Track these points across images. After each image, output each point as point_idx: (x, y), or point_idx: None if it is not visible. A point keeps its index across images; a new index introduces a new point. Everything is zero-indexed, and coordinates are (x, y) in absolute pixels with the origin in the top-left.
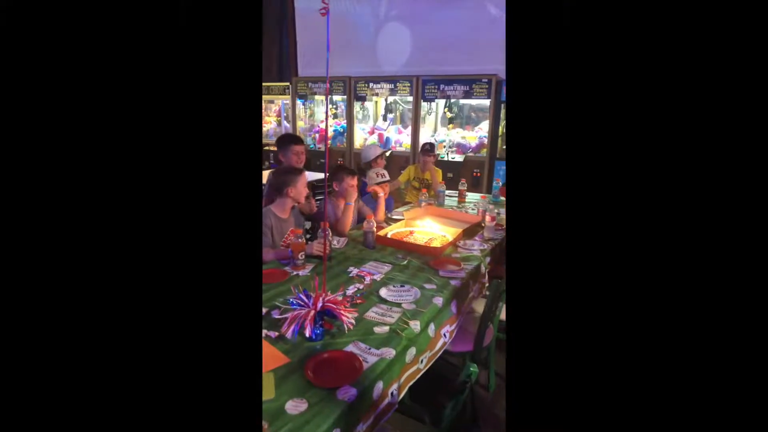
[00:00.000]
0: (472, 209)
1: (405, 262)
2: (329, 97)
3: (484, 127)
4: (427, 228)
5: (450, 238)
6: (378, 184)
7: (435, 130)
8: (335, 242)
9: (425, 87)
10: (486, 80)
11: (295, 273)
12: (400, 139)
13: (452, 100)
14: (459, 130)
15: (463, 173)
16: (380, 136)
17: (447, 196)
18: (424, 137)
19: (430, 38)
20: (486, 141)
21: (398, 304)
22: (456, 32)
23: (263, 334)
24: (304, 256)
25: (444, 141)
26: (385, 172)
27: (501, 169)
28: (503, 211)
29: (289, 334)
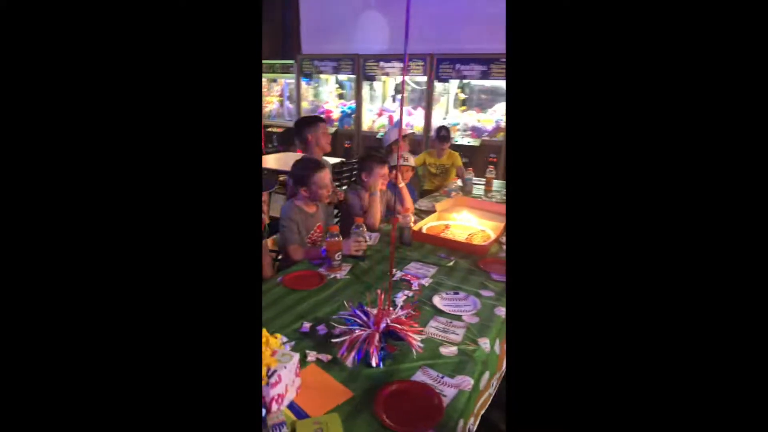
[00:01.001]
0: (503, 196)
1: (451, 263)
2: (335, 76)
3: (499, 110)
4: (465, 221)
5: (491, 234)
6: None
7: (447, 112)
8: (368, 238)
9: (440, 66)
10: (504, 60)
11: (332, 276)
12: (411, 121)
13: (464, 81)
14: (471, 113)
15: (478, 158)
16: (390, 117)
17: (474, 184)
18: (437, 119)
19: (445, 13)
20: (503, 124)
21: (458, 317)
22: (473, 6)
23: (313, 357)
24: (341, 257)
25: (458, 124)
26: (410, 156)
27: None
28: None
29: (350, 362)
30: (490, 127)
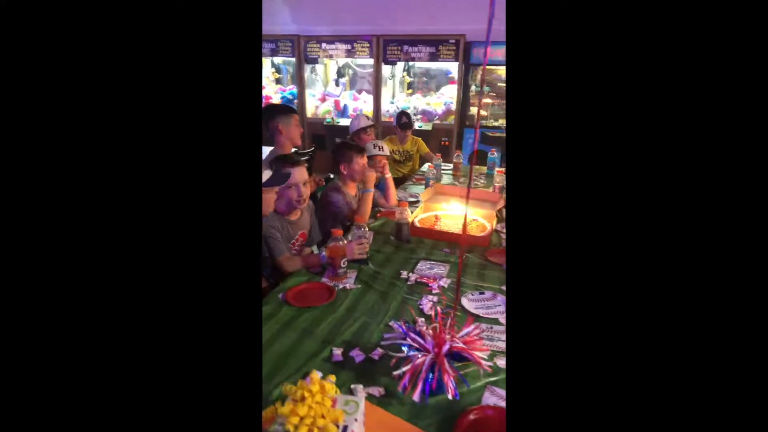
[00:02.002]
0: (476, 184)
1: (464, 259)
2: (270, 59)
3: (446, 93)
4: (454, 211)
5: (485, 223)
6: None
7: (393, 96)
8: (355, 232)
9: (387, 48)
10: (453, 41)
11: (340, 286)
12: (358, 106)
13: (410, 64)
14: (418, 96)
15: (431, 142)
16: (336, 103)
17: (442, 170)
18: (384, 104)
19: None
20: (453, 107)
21: (494, 320)
22: None
23: (363, 393)
24: (346, 263)
25: (407, 108)
26: (384, 145)
27: (470, 137)
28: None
29: (417, 397)
30: (440, 110)
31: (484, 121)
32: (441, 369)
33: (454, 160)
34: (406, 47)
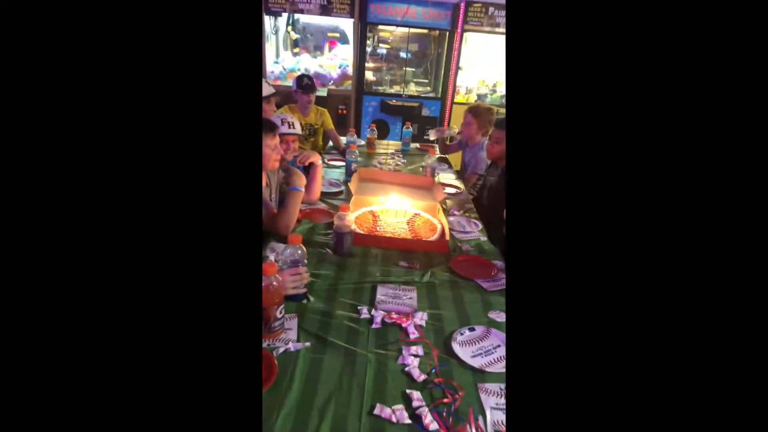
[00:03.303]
0: (395, 165)
1: (426, 277)
2: None
3: (340, 54)
4: (393, 205)
5: (431, 219)
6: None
7: (278, 55)
8: (287, 256)
9: None
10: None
11: (281, 349)
12: None
13: (296, 17)
14: (307, 56)
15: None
16: None
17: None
18: (268, 64)
19: None
20: (349, 71)
21: (503, 375)
22: None
23: None
24: (283, 312)
25: (295, 69)
26: (295, 121)
27: (370, 105)
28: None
29: None
30: (335, 73)
31: (381, 88)
32: None
33: (368, 135)
34: None
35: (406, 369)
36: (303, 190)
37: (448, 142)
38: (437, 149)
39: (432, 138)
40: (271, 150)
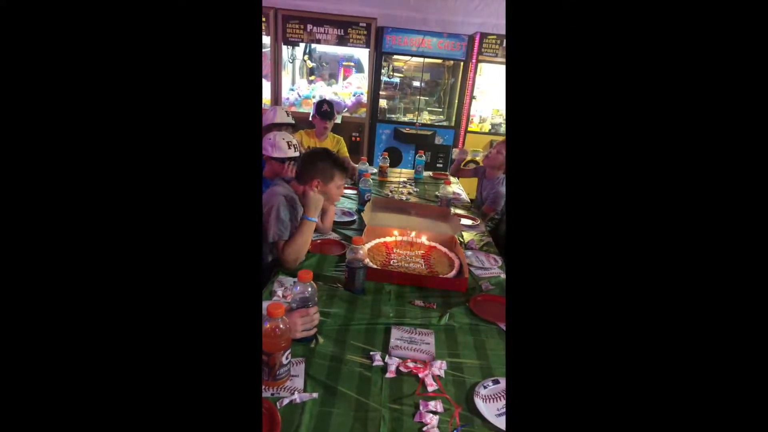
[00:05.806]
0: (408, 193)
1: (444, 320)
2: None
3: (355, 82)
4: (408, 237)
5: (447, 252)
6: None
7: (293, 83)
8: (296, 293)
9: (287, 25)
10: (363, 24)
11: (286, 401)
12: None
13: (313, 47)
14: (322, 84)
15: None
16: None
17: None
18: (284, 91)
19: None
20: (363, 99)
21: None
22: None
23: None
24: (289, 358)
25: (310, 96)
26: (296, 142)
27: (383, 133)
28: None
29: None
30: (349, 101)
31: (394, 116)
32: None
33: (381, 164)
34: (310, 26)
35: (424, 430)
36: (317, 220)
37: (463, 166)
38: (452, 179)
39: (455, 157)
40: (336, 188)
